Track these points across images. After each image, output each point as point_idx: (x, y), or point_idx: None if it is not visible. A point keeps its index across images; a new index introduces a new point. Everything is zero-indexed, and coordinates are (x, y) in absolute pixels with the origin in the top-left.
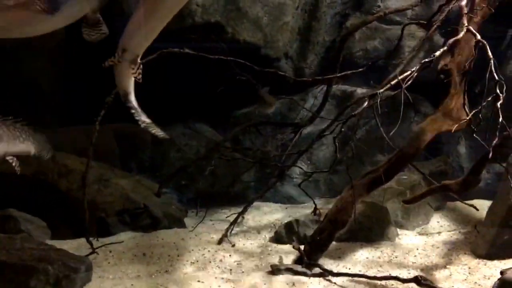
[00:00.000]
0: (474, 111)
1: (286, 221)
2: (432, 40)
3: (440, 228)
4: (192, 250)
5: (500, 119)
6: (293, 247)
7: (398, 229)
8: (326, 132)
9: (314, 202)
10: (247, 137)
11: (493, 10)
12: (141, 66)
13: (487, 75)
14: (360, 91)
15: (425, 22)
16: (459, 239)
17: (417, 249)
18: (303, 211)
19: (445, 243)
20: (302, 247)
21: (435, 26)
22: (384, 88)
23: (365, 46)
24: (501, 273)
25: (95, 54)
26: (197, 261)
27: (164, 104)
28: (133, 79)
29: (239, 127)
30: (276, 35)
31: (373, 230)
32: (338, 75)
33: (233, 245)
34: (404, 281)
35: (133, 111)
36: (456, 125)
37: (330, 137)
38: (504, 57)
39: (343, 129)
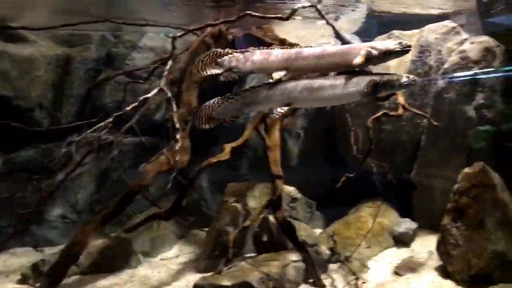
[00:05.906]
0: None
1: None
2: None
3: (180, 252)
4: None
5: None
6: (28, 285)
7: (144, 257)
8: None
9: None
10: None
11: None
12: None
13: None
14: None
15: (143, 82)
16: (191, 260)
17: (153, 272)
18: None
19: (179, 264)
20: None
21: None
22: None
23: (116, 98)
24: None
25: None
26: None
27: None
28: None
29: None
30: (28, 87)
31: (116, 260)
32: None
33: None
34: None
35: None
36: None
37: (88, 179)
38: None
39: None
